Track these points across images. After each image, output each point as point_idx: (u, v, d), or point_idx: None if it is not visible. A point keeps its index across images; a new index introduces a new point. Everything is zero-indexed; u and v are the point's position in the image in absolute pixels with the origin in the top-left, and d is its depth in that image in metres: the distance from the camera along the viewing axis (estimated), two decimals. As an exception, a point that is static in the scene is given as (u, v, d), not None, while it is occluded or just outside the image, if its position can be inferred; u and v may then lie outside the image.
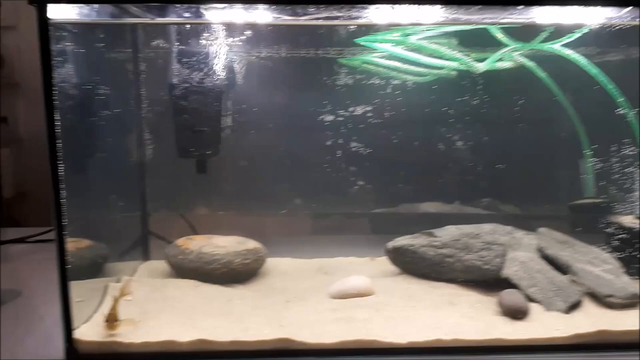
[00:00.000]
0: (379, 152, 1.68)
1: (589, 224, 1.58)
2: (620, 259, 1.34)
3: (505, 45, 1.35)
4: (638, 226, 1.39)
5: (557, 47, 1.34)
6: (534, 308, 1.17)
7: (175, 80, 1.42)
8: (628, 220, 1.42)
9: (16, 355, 1.03)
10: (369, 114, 1.63)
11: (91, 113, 1.41)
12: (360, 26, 1.40)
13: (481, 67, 1.26)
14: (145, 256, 1.57)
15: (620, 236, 1.39)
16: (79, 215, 1.33)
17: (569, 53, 1.34)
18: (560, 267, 1.28)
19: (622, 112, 1.37)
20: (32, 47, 1.90)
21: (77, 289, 1.11)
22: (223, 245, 1.41)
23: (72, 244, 1.35)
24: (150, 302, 1.21)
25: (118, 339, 1.03)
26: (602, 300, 1.20)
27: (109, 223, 1.53)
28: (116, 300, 1.08)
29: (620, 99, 1.35)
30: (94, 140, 1.43)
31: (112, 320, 1.04)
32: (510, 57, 1.31)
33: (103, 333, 1.05)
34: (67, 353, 1.01)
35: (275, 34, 1.55)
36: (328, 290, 1.29)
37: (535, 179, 1.80)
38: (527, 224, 1.51)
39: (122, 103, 1.53)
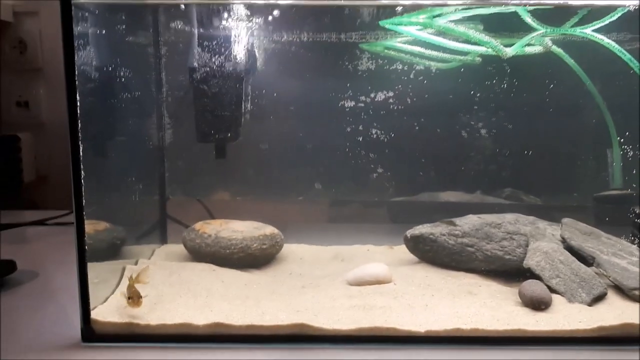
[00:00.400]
0: (399, 139, 1.66)
1: (615, 216, 1.54)
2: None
3: (534, 30, 1.30)
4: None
5: (588, 31, 1.29)
6: (556, 299, 1.14)
7: (195, 64, 1.42)
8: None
9: (34, 336, 1.03)
10: (391, 101, 1.60)
11: (111, 96, 1.41)
12: (384, 8, 1.37)
13: (509, 51, 1.21)
14: (163, 240, 1.58)
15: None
16: (98, 197, 1.33)
17: (601, 38, 1.29)
18: (585, 259, 1.24)
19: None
20: (54, 33, 1.93)
21: (94, 270, 1.12)
22: (240, 230, 1.41)
23: (90, 226, 1.36)
24: (166, 285, 1.21)
25: (135, 320, 1.03)
26: (628, 293, 1.16)
27: (127, 206, 1.53)
28: (133, 279, 1.08)
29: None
30: (114, 123, 1.43)
31: (136, 297, 1.04)
32: (540, 40, 1.26)
33: (120, 314, 1.05)
34: (84, 333, 1.01)
35: (296, 17, 1.53)
36: (345, 276, 1.28)
37: (560, 169, 1.76)
38: (550, 215, 1.47)
39: (143, 86, 1.53)
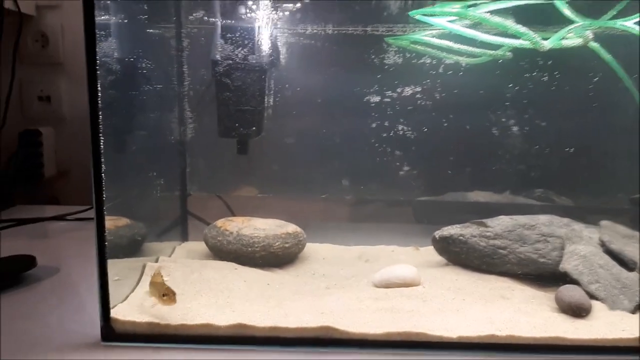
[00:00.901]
0: (426, 136, 1.60)
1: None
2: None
3: (571, 22, 1.24)
4: None
5: (629, 24, 1.22)
6: (596, 306, 1.08)
7: (218, 57, 1.38)
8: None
9: (52, 334, 1.01)
10: (418, 96, 1.55)
11: (133, 89, 1.38)
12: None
13: (547, 44, 1.15)
14: (184, 237, 1.55)
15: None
16: (118, 193, 1.31)
17: (642, 29, 1.22)
18: (626, 263, 1.18)
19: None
20: (76, 26, 1.90)
21: (114, 267, 1.09)
22: (262, 227, 1.37)
23: (111, 222, 1.33)
24: (187, 283, 1.18)
25: (155, 320, 1.00)
26: (673, 302, 1.09)
27: (148, 202, 1.51)
28: (161, 275, 1.05)
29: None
30: (135, 117, 1.40)
31: (171, 293, 1.00)
32: (580, 32, 1.19)
33: (141, 312, 1.02)
34: (104, 332, 0.98)
35: (321, 8, 1.48)
36: (371, 278, 1.23)
37: (594, 169, 1.68)
38: (584, 217, 1.40)
39: (164, 79, 1.50)
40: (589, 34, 1.22)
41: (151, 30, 1.53)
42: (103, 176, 0.98)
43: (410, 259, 1.44)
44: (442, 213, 1.68)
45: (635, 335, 0.98)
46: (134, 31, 1.44)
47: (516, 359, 0.95)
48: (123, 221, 1.36)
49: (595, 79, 1.52)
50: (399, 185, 1.66)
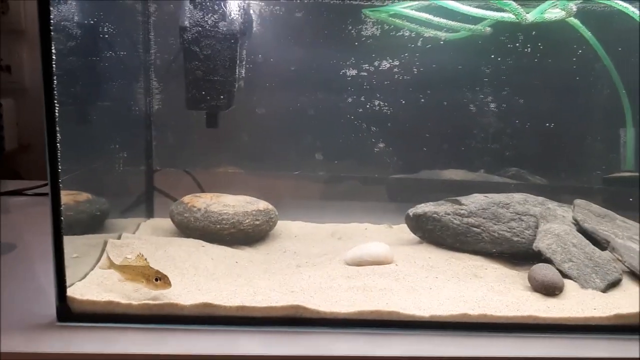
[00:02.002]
0: (402, 112, 1.56)
1: (626, 198, 1.47)
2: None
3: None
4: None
5: (613, -1, 1.19)
6: (568, 285, 1.07)
7: (186, 23, 1.31)
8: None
9: (6, 314, 0.95)
10: (395, 71, 1.50)
11: (94, 55, 1.30)
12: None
13: (529, 17, 1.12)
14: (149, 213, 1.49)
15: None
16: (77, 166, 1.24)
17: (627, 7, 1.19)
18: (599, 242, 1.17)
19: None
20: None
21: (73, 244, 1.03)
22: (232, 204, 1.32)
23: (70, 197, 1.27)
24: (152, 261, 1.11)
25: (115, 299, 0.95)
26: (644, 280, 1.09)
27: (111, 177, 1.44)
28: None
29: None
30: (97, 85, 1.33)
31: (164, 276, 0.95)
32: (563, 5, 1.16)
33: (100, 291, 0.97)
34: (59, 312, 0.93)
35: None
36: (343, 256, 1.20)
37: (569, 149, 1.68)
38: (557, 196, 1.39)
39: (129, 46, 1.42)
40: (572, 6, 1.19)
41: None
42: (59, 148, 0.91)
43: (383, 236, 1.42)
44: (416, 191, 1.66)
45: (606, 314, 0.97)
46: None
47: (489, 338, 0.94)
48: (84, 196, 1.29)
49: (565, 59, 1.50)
50: (374, 162, 1.62)
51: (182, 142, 1.55)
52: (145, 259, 0.98)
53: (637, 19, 1.21)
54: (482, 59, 1.53)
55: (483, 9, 1.27)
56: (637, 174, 1.49)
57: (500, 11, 1.22)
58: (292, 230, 1.47)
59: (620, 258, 1.13)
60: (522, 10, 1.12)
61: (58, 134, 0.91)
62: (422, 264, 1.17)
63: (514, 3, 1.11)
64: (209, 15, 1.29)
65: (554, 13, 1.18)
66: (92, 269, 1.07)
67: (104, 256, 0.99)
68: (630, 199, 1.41)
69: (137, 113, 1.45)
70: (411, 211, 1.31)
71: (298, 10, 1.48)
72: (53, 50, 0.89)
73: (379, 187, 1.70)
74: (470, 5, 1.26)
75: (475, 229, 1.23)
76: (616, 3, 1.20)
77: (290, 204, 1.55)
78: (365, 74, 1.50)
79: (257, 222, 1.30)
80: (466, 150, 1.66)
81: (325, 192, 1.70)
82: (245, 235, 1.29)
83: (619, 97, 1.52)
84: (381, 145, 1.59)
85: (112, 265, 0.99)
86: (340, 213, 1.58)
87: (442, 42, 1.46)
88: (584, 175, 1.67)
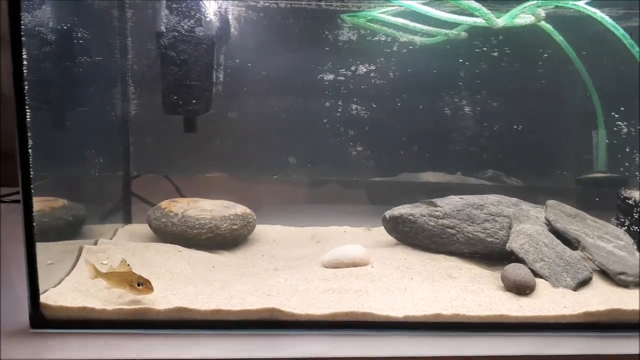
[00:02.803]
0: (380, 116, 1.58)
1: (598, 199, 1.50)
2: (632, 234, 1.26)
3: (524, 1, 1.23)
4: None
5: (581, 4, 1.22)
6: (540, 284, 1.09)
7: (163, 28, 1.31)
8: (642, 195, 1.34)
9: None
10: (372, 75, 1.52)
11: (70, 61, 1.30)
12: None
13: (500, 22, 1.14)
14: (127, 219, 1.48)
15: (633, 212, 1.31)
16: (53, 173, 1.23)
17: (595, 12, 1.22)
18: (570, 242, 1.19)
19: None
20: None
21: (48, 250, 1.03)
22: (209, 209, 1.32)
23: (46, 204, 1.26)
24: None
25: (89, 305, 0.94)
26: (614, 278, 1.12)
27: (89, 183, 1.43)
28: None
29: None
30: (73, 91, 1.32)
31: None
32: (532, 10, 1.18)
33: (74, 297, 0.96)
34: (32, 319, 0.92)
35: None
36: (320, 259, 1.21)
37: (544, 151, 1.71)
38: (534, 197, 1.42)
39: (106, 52, 1.42)
40: (541, 12, 1.22)
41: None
42: (30, 154, 0.91)
43: (361, 239, 1.43)
44: (395, 194, 1.67)
45: (576, 312, 0.99)
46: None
47: (461, 338, 0.95)
48: (60, 202, 1.29)
49: (538, 63, 1.53)
50: (353, 165, 1.64)
51: (160, 147, 1.54)
52: (128, 265, 0.98)
53: (605, 24, 1.24)
54: (458, 63, 1.56)
55: (457, 14, 1.30)
56: (608, 174, 1.52)
57: (473, 16, 1.24)
58: (271, 234, 1.47)
59: (590, 257, 1.15)
60: (492, 15, 1.14)
61: (30, 140, 0.90)
62: (397, 265, 1.18)
63: (484, 8, 1.13)
64: (186, 21, 1.30)
65: (524, 18, 1.20)
66: (67, 275, 1.06)
67: (89, 267, 0.99)
68: (597, 199, 1.45)
69: (114, 118, 1.44)
70: (387, 213, 1.33)
71: (276, 15, 1.49)
72: (24, 56, 0.88)
73: (359, 190, 1.72)
74: (444, 10, 1.29)
75: (450, 230, 1.25)
76: (584, 8, 1.23)
77: (270, 208, 1.56)
78: (343, 78, 1.51)
79: (235, 227, 1.31)
80: (444, 153, 1.69)
81: (305, 195, 1.71)
82: (222, 240, 1.29)
83: (591, 100, 1.56)
84: (360, 148, 1.61)
85: (98, 274, 0.99)
86: (320, 216, 1.59)
87: (417, 47, 1.48)
88: (558, 177, 1.70)
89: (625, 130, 1.44)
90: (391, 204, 1.37)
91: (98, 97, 1.41)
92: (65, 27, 1.27)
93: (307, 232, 1.50)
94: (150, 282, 0.96)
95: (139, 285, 0.95)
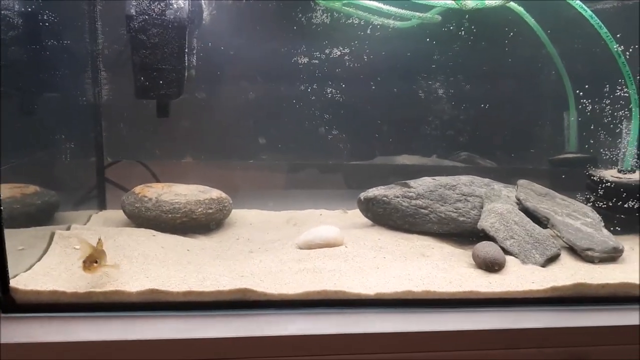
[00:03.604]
0: (355, 100, 1.58)
1: (569, 179, 1.53)
2: (600, 212, 1.29)
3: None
4: (619, 180, 1.33)
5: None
6: (510, 261, 1.11)
7: (133, 11, 1.29)
8: (610, 174, 1.37)
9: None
10: (347, 58, 1.52)
11: (37, 45, 1.28)
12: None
13: (470, 3, 1.15)
14: (101, 205, 1.47)
15: (601, 190, 1.33)
16: (26, 159, 1.22)
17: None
18: (540, 220, 1.22)
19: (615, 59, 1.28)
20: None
21: (19, 236, 1.02)
22: (184, 193, 1.32)
23: (17, 190, 1.25)
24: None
25: (60, 288, 0.94)
26: (581, 254, 1.15)
27: (61, 169, 1.42)
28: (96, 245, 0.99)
29: (614, 44, 1.27)
30: (41, 76, 1.30)
31: (89, 260, 0.94)
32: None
33: (45, 281, 0.96)
34: (2, 304, 0.91)
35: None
36: (295, 240, 1.21)
37: (517, 132, 1.73)
38: (507, 178, 1.44)
39: (74, 36, 1.39)
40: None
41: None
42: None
43: (337, 221, 1.44)
44: (372, 177, 1.68)
45: (544, 287, 1.02)
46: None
47: (432, 314, 0.97)
48: (31, 189, 1.28)
49: (511, 46, 1.55)
50: (329, 149, 1.64)
51: (134, 133, 1.53)
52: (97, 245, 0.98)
53: (574, 5, 1.25)
54: (432, 47, 1.57)
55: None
56: (579, 154, 1.55)
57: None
58: (247, 218, 1.48)
59: (558, 234, 1.18)
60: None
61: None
62: (371, 245, 1.20)
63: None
64: (156, 4, 1.28)
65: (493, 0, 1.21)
66: (38, 260, 1.05)
67: (83, 245, 0.98)
68: (568, 178, 1.48)
69: (85, 104, 1.43)
70: (362, 195, 1.34)
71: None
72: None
73: (335, 174, 1.73)
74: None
75: (423, 210, 1.26)
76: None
77: (247, 193, 1.56)
78: (317, 62, 1.51)
79: (210, 211, 1.31)
80: (419, 136, 1.70)
81: (283, 180, 1.72)
82: (198, 224, 1.29)
83: (563, 82, 1.58)
84: (336, 132, 1.61)
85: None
86: (297, 200, 1.60)
87: (391, 30, 1.48)
88: (532, 157, 1.72)
89: (594, 111, 1.47)
90: (367, 187, 1.39)
91: (68, 82, 1.39)
92: (32, 11, 1.25)
93: (283, 215, 1.51)
94: (90, 263, 0.93)
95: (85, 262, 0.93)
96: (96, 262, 0.95)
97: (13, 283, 0.93)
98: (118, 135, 1.50)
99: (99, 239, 1.02)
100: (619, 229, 1.28)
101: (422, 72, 1.61)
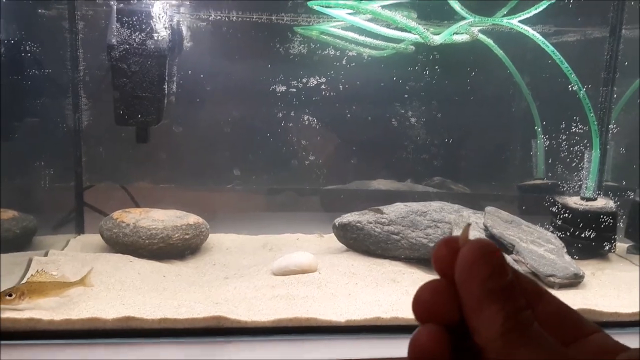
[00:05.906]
0: (331, 126, 1.63)
1: (536, 205, 1.59)
2: (563, 238, 1.35)
3: (463, 18, 1.30)
4: (581, 207, 1.39)
5: (514, 22, 1.30)
6: (477, 287, 1.16)
7: (114, 41, 1.33)
8: (573, 201, 1.43)
9: None
10: (323, 87, 1.57)
11: (19, 73, 1.30)
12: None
13: (437, 39, 1.21)
14: (79, 229, 1.49)
15: (564, 216, 1.39)
16: (5, 185, 1.23)
17: (527, 30, 1.31)
18: (506, 247, 1.27)
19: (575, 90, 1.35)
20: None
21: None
22: (161, 219, 1.34)
23: (-5, 215, 1.26)
24: (77, 277, 1.13)
25: (37, 316, 0.96)
26: (544, 280, 1.20)
27: (40, 194, 1.43)
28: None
29: (574, 78, 1.34)
30: (22, 103, 1.33)
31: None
32: (466, 29, 1.26)
33: (22, 309, 0.97)
34: (-23, 331, 0.93)
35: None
36: (270, 266, 1.24)
37: (488, 159, 1.80)
38: (478, 203, 1.50)
39: (56, 64, 1.42)
40: (475, 30, 1.29)
41: (42, 11, 1.45)
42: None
43: (313, 246, 1.47)
44: (348, 201, 1.73)
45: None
46: (21, 12, 1.36)
47: (400, 340, 1.00)
48: (9, 214, 1.29)
49: (481, 75, 1.62)
50: (306, 174, 1.69)
51: (113, 158, 1.56)
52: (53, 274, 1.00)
53: (537, 40, 1.32)
54: (406, 75, 1.63)
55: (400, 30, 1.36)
56: (546, 181, 1.62)
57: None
58: (224, 242, 1.50)
59: (523, 260, 1.23)
60: (429, 33, 1.21)
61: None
62: (344, 271, 1.23)
63: (420, 27, 1.20)
64: (137, 33, 1.32)
65: (460, 36, 1.27)
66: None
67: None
68: (535, 205, 1.54)
69: (66, 129, 1.45)
70: (337, 221, 1.38)
71: (229, 28, 1.52)
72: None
73: (312, 198, 1.77)
74: (388, 27, 1.35)
75: (395, 236, 1.31)
76: (517, 26, 1.31)
77: (224, 217, 1.59)
78: (294, 90, 1.56)
79: (187, 236, 1.33)
80: (394, 161, 1.75)
81: (260, 204, 1.75)
82: (175, 250, 1.32)
83: (531, 111, 1.65)
84: (312, 157, 1.66)
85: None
86: (273, 224, 1.63)
87: (366, 60, 1.54)
88: (502, 183, 1.79)
89: (559, 139, 1.54)
90: (344, 211, 1.42)
91: (49, 109, 1.41)
92: (14, 40, 1.28)
93: (259, 240, 1.54)
94: (21, 295, 0.95)
95: (8, 295, 0.95)
96: (10, 295, 0.96)
97: (-11, 311, 0.95)
98: (97, 160, 1.52)
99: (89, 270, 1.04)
100: (580, 255, 1.34)
101: (396, 100, 1.66)
